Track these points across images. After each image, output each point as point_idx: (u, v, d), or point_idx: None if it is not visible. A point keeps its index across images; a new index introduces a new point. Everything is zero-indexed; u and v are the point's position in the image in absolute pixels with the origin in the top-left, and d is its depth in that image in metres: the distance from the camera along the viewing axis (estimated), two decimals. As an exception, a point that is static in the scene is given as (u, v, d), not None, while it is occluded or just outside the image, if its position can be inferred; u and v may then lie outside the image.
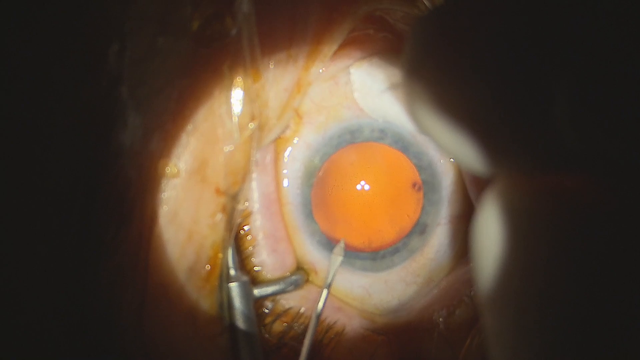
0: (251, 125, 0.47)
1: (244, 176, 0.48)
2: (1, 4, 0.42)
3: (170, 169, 0.46)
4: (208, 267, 0.48)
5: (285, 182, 0.55)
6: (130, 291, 0.46)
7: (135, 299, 0.46)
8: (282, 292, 0.53)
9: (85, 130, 0.45)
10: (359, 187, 0.55)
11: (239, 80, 0.47)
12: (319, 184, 0.55)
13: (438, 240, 0.57)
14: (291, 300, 0.53)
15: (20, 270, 0.44)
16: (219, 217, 0.47)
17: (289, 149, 0.55)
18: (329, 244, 0.56)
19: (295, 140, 0.55)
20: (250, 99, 0.47)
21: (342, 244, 0.54)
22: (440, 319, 0.54)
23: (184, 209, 0.47)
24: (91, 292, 0.45)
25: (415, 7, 0.49)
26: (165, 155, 0.46)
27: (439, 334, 0.54)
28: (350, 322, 0.54)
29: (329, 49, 0.50)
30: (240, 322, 0.50)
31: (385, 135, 0.55)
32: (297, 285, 0.53)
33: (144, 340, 0.46)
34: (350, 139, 0.55)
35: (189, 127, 0.46)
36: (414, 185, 0.55)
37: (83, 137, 0.45)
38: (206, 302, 0.48)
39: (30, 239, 0.44)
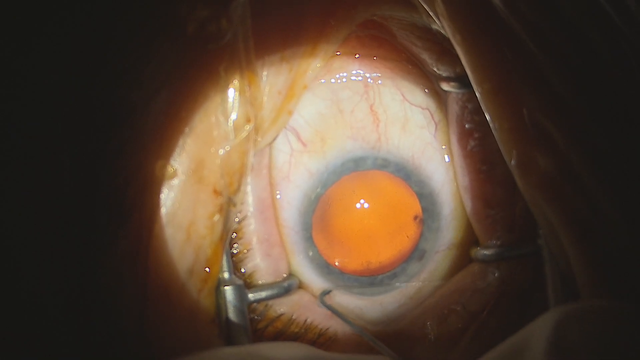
0: (247, 127, 0.48)
1: (240, 177, 0.48)
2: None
3: (167, 170, 0.47)
4: (207, 268, 0.48)
5: (286, 208, 0.55)
6: (131, 292, 0.46)
7: (136, 300, 0.46)
8: (275, 296, 0.53)
9: (85, 132, 0.45)
10: (360, 213, 0.55)
11: (234, 82, 0.47)
12: (321, 210, 0.55)
13: (435, 266, 0.57)
14: (283, 307, 0.53)
15: (21, 272, 0.44)
16: (217, 217, 0.48)
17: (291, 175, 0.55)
18: (327, 266, 0.56)
19: (299, 167, 0.55)
20: (245, 100, 0.48)
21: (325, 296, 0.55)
22: (433, 327, 0.54)
23: (182, 209, 0.47)
24: (92, 293, 0.45)
25: (414, 12, 0.50)
26: (163, 157, 0.47)
27: (430, 342, 0.54)
28: (342, 329, 0.54)
29: (325, 53, 0.50)
30: (234, 326, 0.50)
31: (388, 163, 0.55)
32: (290, 290, 0.53)
33: (146, 342, 0.46)
34: (354, 167, 0.55)
35: (186, 128, 0.47)
36: (415, 217, 0.55)
37: (83, 139, 0.45)
38: (205, 304, 0.48)
39: (31, 239, 0.44)
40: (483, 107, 0.47)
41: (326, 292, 0.55)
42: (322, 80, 0.54)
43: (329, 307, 0.54)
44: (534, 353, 0.39)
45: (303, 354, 0.45)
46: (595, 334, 0.39)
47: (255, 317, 0.52)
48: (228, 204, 0.48)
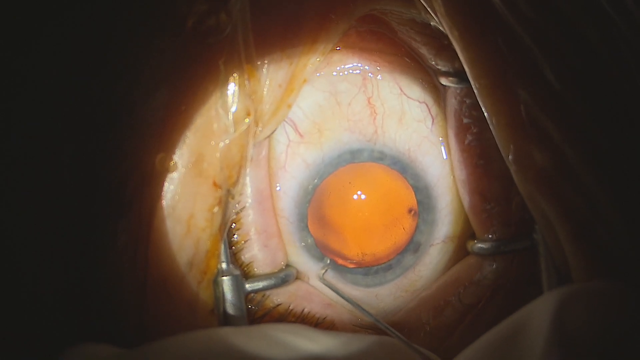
0: (247, 120, 0.48)
1: (239, 170, 0.49)
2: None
3: (168, 164, 0.47)
4: (207, 260, 0.48)
5: (282, 198, 0.56)
6: (131, 289, 0.47)
7: (136, 296, 0.47)
8: (272, 287, 0.53)
9: (85, 131, 0.45)
10: (356, 205, 0.56)
11: (234, 76, 0.47)
12: (317, 200, 0.56)
13: (430, 259, 0.57)
14: (281, 297, 0.54)
15: (21, 272, 0.44)
16: (216, 210, 0.48)
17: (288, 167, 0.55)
18: (322, 257, 0.56)
19: (295, 158, 0.55)
20: (245, 94, 0.48)
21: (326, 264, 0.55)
22: (429, 319, 0.54)
23: (182, 202, 0.48)
24: (92, 292, 0.46)
25: (412, 7, 0.50)
26: (163, 150, 0.47)
27: (426, 333, 0.54)
28: (339, 318, 0.55)
29: (324, 47, 0.50)
30: (232, 316, 0.50)
31: (384, 156, 0.56)
32: (287, 281, 0.54)
33: (145, 334, 0.47)
34: (350, 158, 0.55)
35: (186, 122, 0.47)
36: (409, 210, 0.56)
37: (83, 139, 0.45)
38: (204, 295, 0.49)
39: (31, 239, 0.44)
40: (480, 103, 0.48)
41: (325, 271, 0.55)
42: (322, 72, 0.54)
43: (329, 285, 0.54)
44: (536, 333, 0.39)
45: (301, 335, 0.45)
46: (599, 314, 0.40)
47: (253, 307, 0.53)
48: (227, 196, 0.49)
